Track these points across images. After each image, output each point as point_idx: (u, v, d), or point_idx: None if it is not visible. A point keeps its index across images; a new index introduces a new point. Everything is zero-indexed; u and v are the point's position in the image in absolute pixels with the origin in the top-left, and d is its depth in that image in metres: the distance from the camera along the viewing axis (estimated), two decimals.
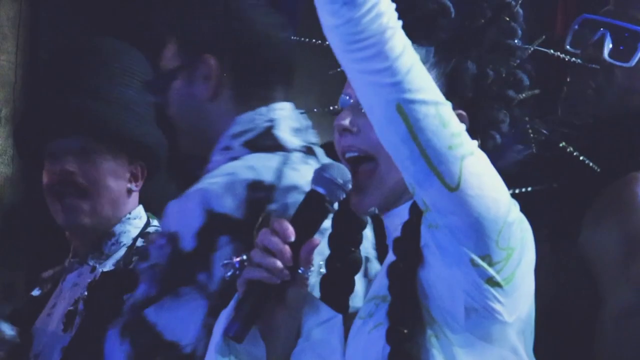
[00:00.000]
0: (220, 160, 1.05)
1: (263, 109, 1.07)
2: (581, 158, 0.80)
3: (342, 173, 0.80)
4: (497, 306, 0.73)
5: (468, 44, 0.83)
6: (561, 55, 0.83)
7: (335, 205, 0.82)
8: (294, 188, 1.00)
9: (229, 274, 0.82)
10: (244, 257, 0.79)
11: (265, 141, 1.06)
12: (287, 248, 0.77)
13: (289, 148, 1.06)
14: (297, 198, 0.93)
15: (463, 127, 0.73)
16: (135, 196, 1.41)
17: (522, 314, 0.77)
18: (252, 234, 0.91)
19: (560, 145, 0.81)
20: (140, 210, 1.42)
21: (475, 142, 0.74)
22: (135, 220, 1.40)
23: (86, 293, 1.26)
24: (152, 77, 1.29)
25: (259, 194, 0.98)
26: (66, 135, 1.34)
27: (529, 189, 0.82)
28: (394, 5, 0.69)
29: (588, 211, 0.98)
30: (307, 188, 0.88)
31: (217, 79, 1.06)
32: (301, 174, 1.00)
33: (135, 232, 1.39)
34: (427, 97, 0.70)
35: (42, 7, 2.54)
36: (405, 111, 0.69)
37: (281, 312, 0.82)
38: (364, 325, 0.79)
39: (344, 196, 0.81)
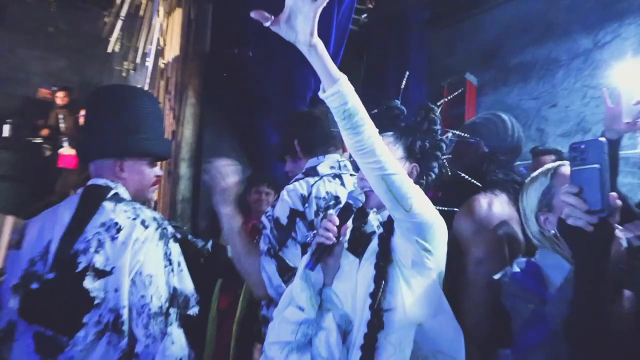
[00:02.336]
0: (294, 181, 1.70)
1: (320, 157, 1.74)
2: (468, 178, 1.36)
3: (359, 193, 1.30)
4: (427, 261, 1.14)
5: (415, 130, 1.30)
6: (465, 135, 1.39)
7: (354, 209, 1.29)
8: (319, 196, 1.59)
9: (307, 239, 1.35)
10: (314, 232, 1.30)
11: (311, 172, 1.72)
12: (335, 228, 1.20)
13: (321, 175, 1.69)
14: (319, 202, 1.56)
15: (411, 181, 1.07)
16: None
17: (439, 264, 1.18)
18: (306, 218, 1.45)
19: (461, 175, 1.36)
20: None
21: (417, 187, 1.08)
22: None
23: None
24: None
25: (302, 200, 1.58)
26: None
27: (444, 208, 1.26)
28: (376, 130, 1.02)
29: (456, 214, 1.53)
30: (326, 196, 1.48)
31: (298, 149, 1.77)
32: (323, 188, 1.59)
33: None
34: (395, 170, 1.03)
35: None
36: (385, 179, 1.03)
37: (332, 258, 1.25)
38: (365, 262, 1.25)
39: (360, 204, 1.30)
